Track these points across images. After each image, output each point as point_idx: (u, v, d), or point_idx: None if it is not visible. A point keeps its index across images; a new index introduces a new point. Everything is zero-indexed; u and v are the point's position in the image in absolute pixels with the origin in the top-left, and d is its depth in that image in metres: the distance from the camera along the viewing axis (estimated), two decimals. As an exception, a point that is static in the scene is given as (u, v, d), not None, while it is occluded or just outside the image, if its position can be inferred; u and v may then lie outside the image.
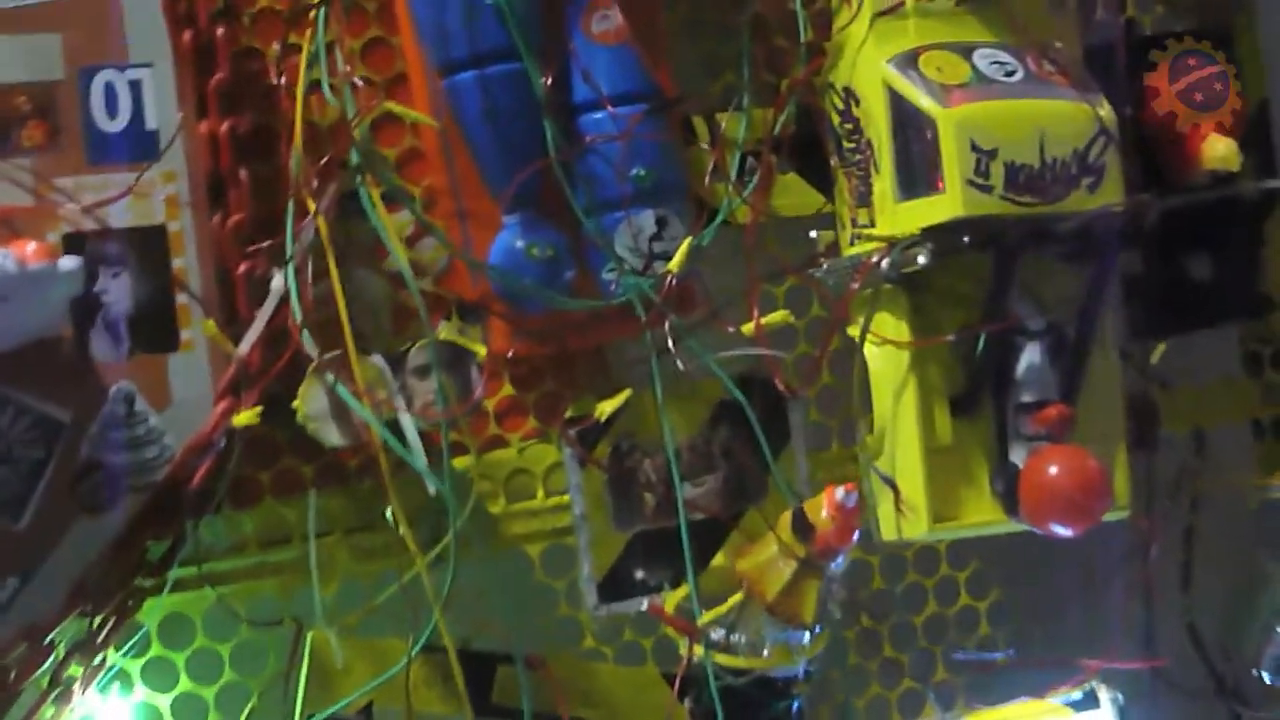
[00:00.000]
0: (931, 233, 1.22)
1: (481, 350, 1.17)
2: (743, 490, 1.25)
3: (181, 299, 1.15)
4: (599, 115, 1.24)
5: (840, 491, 1.16)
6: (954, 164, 1.21)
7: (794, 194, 1.33)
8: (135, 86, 1.13)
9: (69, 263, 1.07)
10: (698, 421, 1.25)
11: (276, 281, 1.12)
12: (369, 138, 1.12)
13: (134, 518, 1.14)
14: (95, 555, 1.14)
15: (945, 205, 1.22)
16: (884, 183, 1.25)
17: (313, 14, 1.12)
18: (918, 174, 1.22)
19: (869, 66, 1.26)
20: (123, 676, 1.19)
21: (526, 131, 1.22)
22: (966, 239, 1.21)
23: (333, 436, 1.13)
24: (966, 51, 1.25)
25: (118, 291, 1.14)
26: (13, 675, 1.11)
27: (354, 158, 1.12)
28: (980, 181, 1.21)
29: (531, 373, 1.26)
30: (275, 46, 1.14)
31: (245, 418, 1.11)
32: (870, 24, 1.26)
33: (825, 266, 1.30)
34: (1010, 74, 1.25)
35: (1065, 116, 1.24)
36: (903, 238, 1.23)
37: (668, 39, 1.28)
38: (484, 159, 1.22)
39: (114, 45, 1.13)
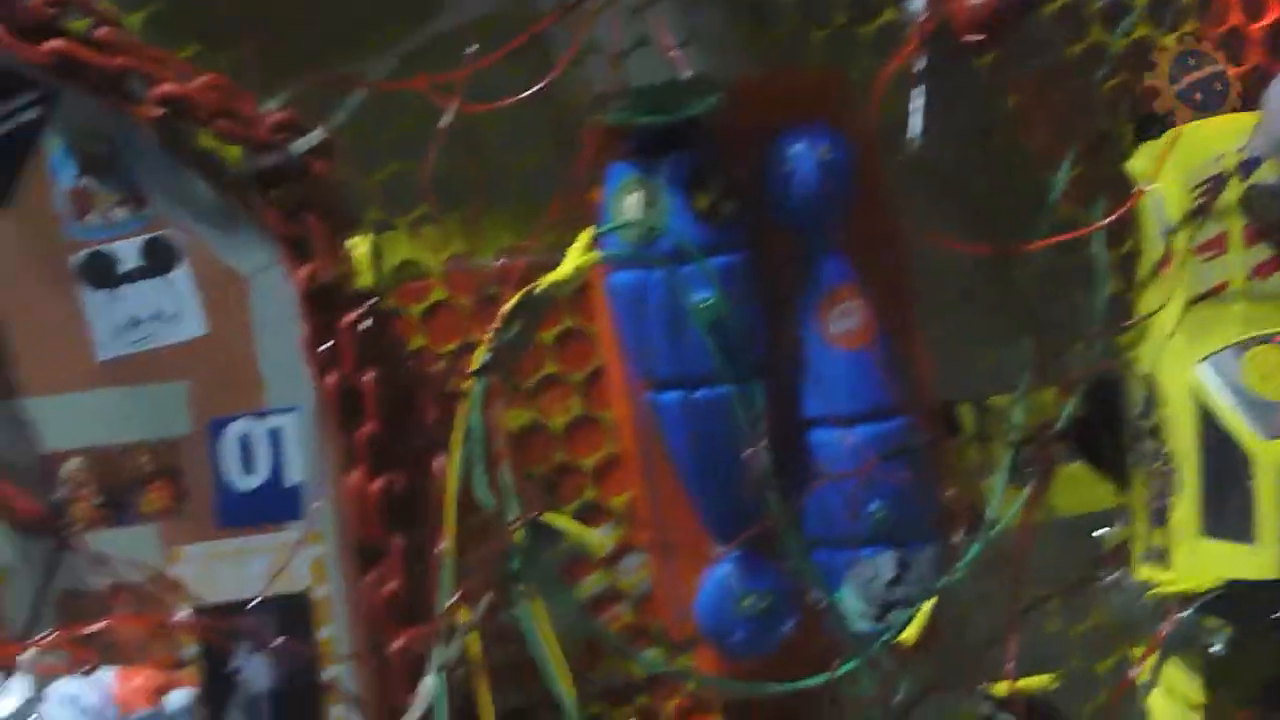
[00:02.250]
0: (1236, 596, 0.93)
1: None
2: None
3: (329, 673, 0.93)
4: (834, 434, 0.97)
5: None
6: (1274, 516, 0.92)
7: (1078, 490, 1.05)
8: (275, 435, 0.91)
9: (179, 699, 0.86)
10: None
11: (426, 685, 0.89)
12: (531, 544, 0.88)
13: None
14: None
15: (1258, 563, 0.93)
16: (1186, 509, 0.96)
17: (468, 386, 0.88)
18: (1229, 513, 0.94)
19: (1177, 363, 0.98)
20: None
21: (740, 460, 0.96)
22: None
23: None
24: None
25: (255, 669, 0.93)
26: None
27: (513, 562, 0.88)
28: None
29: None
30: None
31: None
32: (1183, 310, 0.97)
33: (1111, 580, 1.02)
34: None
35: None
36: (1200, 593, 0.94)
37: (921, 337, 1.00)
38: (692, 484, 0.98)
39: (249, 392, 0.90)
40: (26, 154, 0.89)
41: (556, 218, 0.92)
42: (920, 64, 0.94)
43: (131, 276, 0.91)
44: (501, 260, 0.94)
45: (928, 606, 0.97)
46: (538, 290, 0.90)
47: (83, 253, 0.91)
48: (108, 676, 0.89)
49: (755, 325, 0.98)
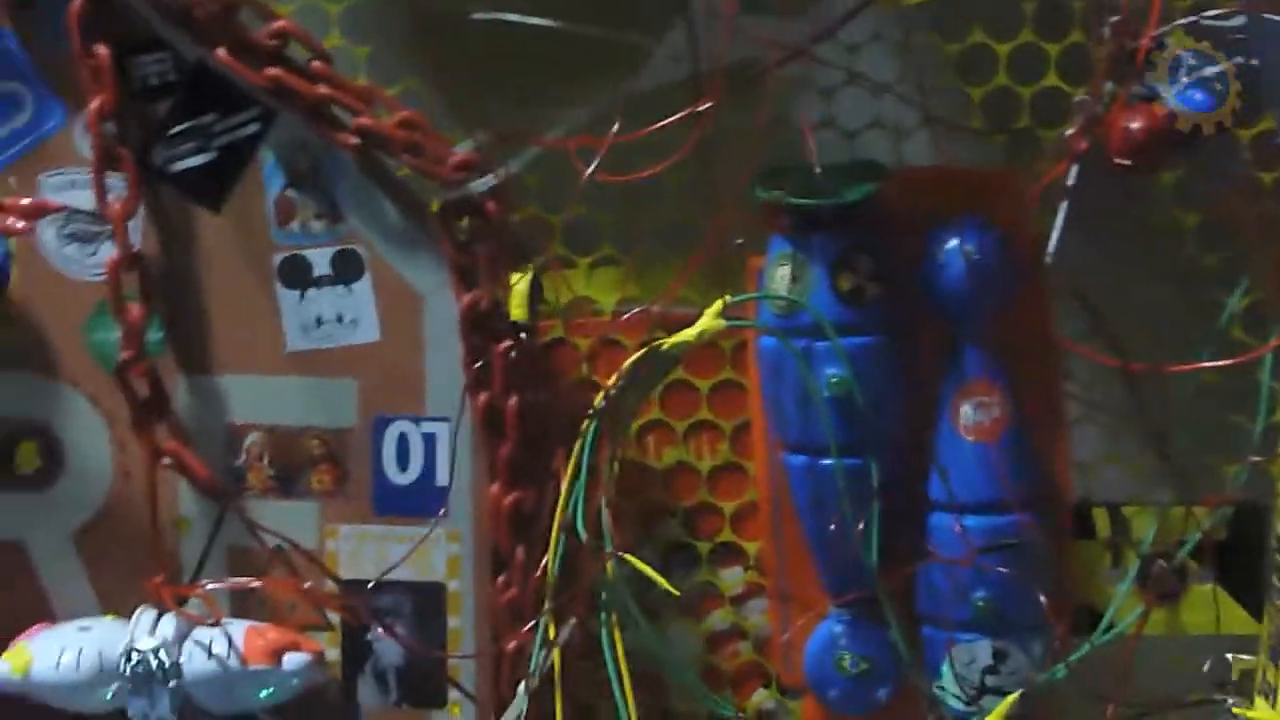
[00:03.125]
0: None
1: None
2: None
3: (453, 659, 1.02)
4: (947, 519, 1.00)
5: None
6: None
7: (1209, 610, 1.04)
8: (429, 440, 1.01)
9: (295, 660, 0.96)
10: None
11: (519, 690, 0.97)
12: (621, 580, 0.95)
13: None
14: None
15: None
16: (1299, 651, 0.95)
17: (585, 427, 0.95)
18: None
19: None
20: None
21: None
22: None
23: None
24: None
25: (388, 645, 1.02)
26: None
27: (602, 597, 0.95)
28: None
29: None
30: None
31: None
32: None
33: (1226, 705, 1.02)
34: None
35: None
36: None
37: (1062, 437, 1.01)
38: (813, 543, 1.02)
39: (412, 397, 1.00)
40: (245, 163, 1.00)
41: (697, 271, 0.96)
42: (1070, 179, 0.94)
43: (321, 282, 1.01)
44: (657, 307, 0.99)
45: (1013, 696, 0.99)
46: (662, 348, 0.96)
47: (282, 255, 1.01)
48: (239, 629, 0.99)
49: (889, 405, 1.01)
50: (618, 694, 0.95)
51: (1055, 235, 0.94)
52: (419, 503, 1.03)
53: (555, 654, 0.96)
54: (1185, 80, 0.95)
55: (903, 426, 1.02)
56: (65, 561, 1.05)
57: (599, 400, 0.96)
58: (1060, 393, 1.03)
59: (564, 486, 0.96)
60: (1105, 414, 1.04)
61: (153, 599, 1.00)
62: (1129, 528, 1.04)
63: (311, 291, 1.01)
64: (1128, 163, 0.93)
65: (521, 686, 0.98)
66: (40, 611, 1.04)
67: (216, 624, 0.98)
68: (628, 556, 0.95)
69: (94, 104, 0.98)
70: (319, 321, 1.02)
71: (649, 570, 0.94)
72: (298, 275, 1.02)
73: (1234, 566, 1.04)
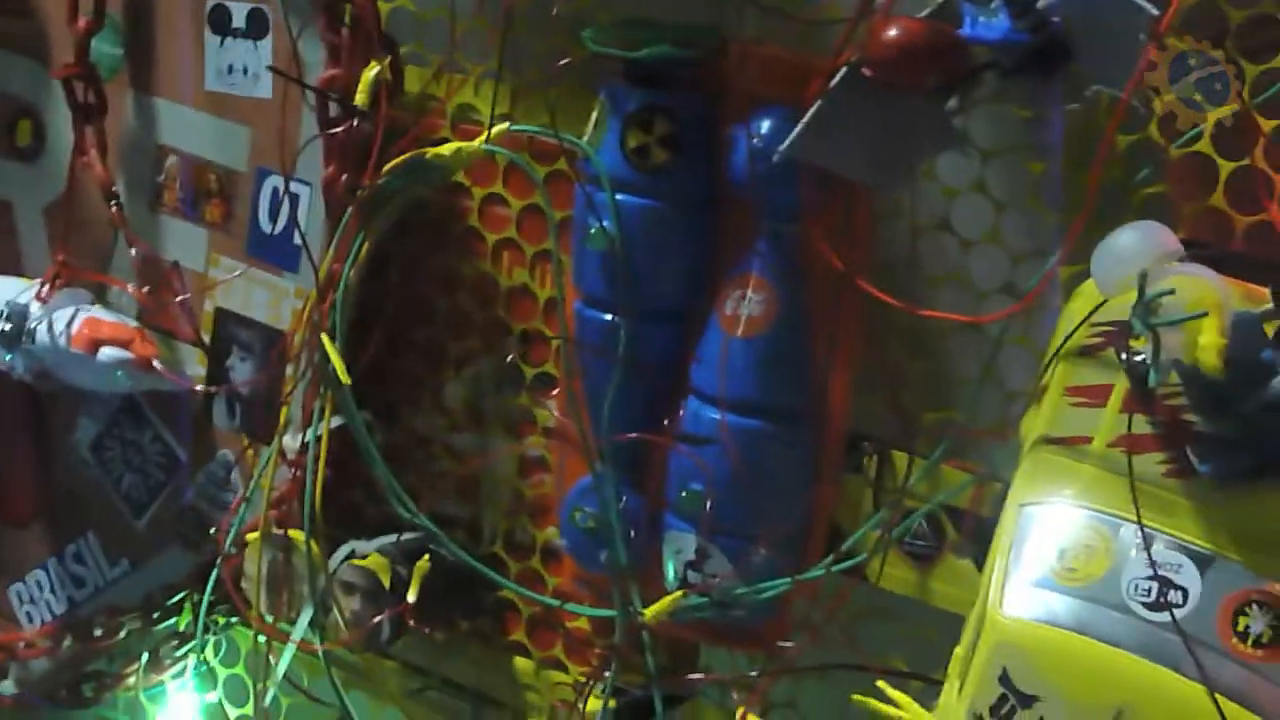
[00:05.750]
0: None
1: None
2: None
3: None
4: (696, 405, 0.95)
5: None
6: (973, 684, 0.80)
7: (960, 586, 0.94)
8: (294, 200, 1.05)
9: (110, 355, 1.04)
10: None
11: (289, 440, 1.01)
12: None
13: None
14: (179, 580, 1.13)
15: None
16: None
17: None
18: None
19: (1015, 489, 0.85)
20: (209, 676, 1.17)
21: (631, 390, 0.97)
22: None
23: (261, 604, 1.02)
24: (1128, 542, 0.80)
25: (242, 373, 1.09)
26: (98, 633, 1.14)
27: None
28: (985, 722, 0.79)
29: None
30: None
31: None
32: (1029, 446, 0.84)
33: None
34: (1159, 606, 0.79)
35: (1178, 710, 0.76)
36: None
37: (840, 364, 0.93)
38: (588, 397, 0.99)
39: (285, 157, 1.05)
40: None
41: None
42: (831, 82, 0.85)
43: (236, 34, 1.06)
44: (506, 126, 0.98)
45: (672, 597, 0.93)
46: (425, 157, 0.95)
47: (213, 2, 1.07)
48: (83, 316, 1.07)
49: (660, 274, 0.95)
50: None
51: (796, 132, 0.85)
52: (281, 255, 1.06)
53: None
54: (989, 7, 0.83)
55: (680, 301, 0.95)
56: (35, 230, 1.16)
57: (364, 191, 0.95)
58: (853, 315, 0.92)
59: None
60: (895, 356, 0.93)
61: (51, 273, 1.09)
62: (897, 474, 0.94)
63: (228, 40, 1.06)
64: (875, 72, 0.83)
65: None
66: (13, 269, 1.16)
67: (78, 307, 1.06)
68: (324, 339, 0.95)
69: None
70: (230, 69, 1.06)
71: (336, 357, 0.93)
72: (221, 23, 1.06)
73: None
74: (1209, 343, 0.74)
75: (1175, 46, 0.83)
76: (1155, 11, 0.77)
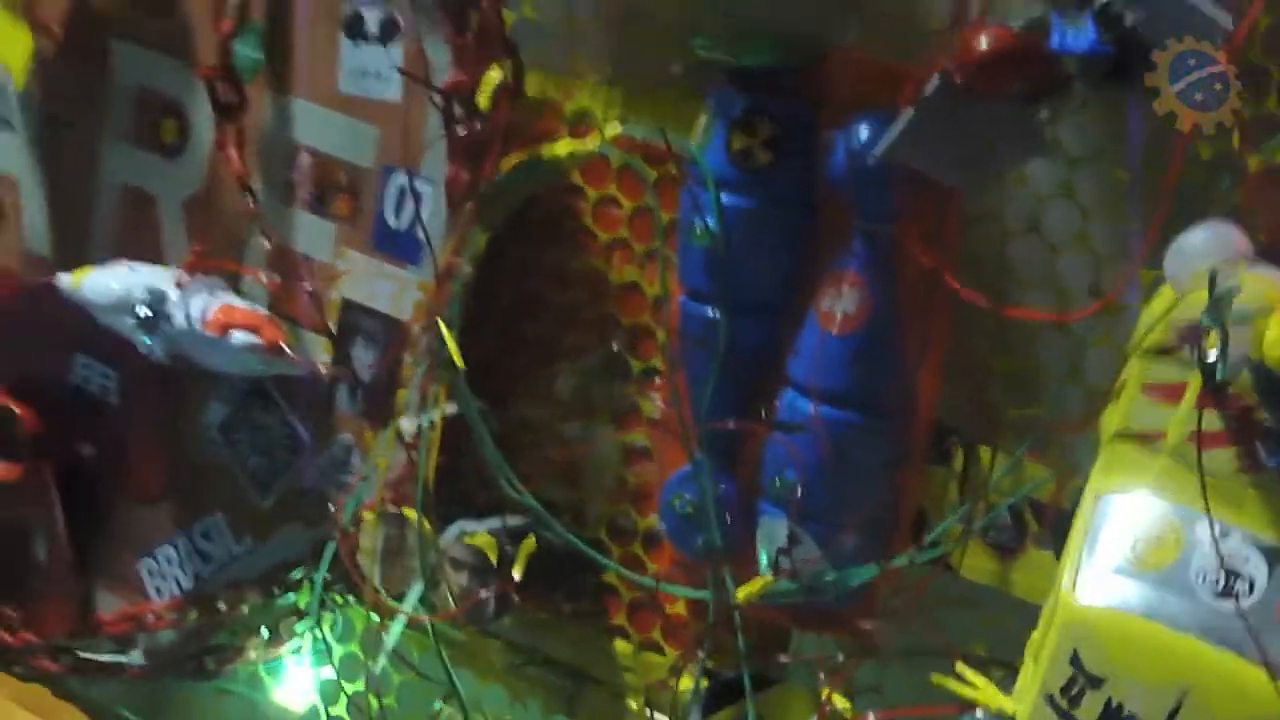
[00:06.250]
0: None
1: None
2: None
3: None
4: (792, 398, 1.00)
5: None
6: (1045, 665, 0.84)
7: (1042, 577, 0.98)
8: (419, 198, 1.12)
9: (241, 338, 1.11)
10: None
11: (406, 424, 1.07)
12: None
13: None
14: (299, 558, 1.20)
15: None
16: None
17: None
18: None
19: (1092, 481, 0.89)
20: (325, 652, 1.23)
21: (730, 382, 1.02)
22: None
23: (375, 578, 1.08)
24: (1199, 533, 0.83)
25: (365, 361, 1.16)
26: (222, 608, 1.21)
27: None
28: (1059, 705, 0.83)
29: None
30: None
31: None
32: (1107, 441, 0.88)
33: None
34: (1225, 594, 0.82)
35: (1240, 692, 0.80)
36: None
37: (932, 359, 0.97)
38: (690, 387, 1.05)
39: (411, 156, 1.11)
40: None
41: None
42: (927, 90, 0.90)
43: (370, 39, 1.13)
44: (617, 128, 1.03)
45: (763, 580, 0.98)
46: (540, 157, 1.01)
47: (348, 8, 1.14)
48: (218, 302, 1.14)
49: (761, 271, 1.00)
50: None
51: (891, 135, 0.90)
52: (405, 249, 1.12)
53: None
54: (1078, 19, 0.88)
55: (779, 297, 1.00)
56: (176, 222, 1.23)
57: (481, 189, 1.01)
58: (943, 313, 0.97)
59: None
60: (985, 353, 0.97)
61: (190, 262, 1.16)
62: (982, 468, 0.98)
63: (361, 44, 1.12)
64: (965, 79, 0.87)
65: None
66: (155, 258, 1.23)
67: (213, 294, 1.13)
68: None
69: None
70: (363, 72, 1.13)
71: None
72: (355, 28, 1.13)
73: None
74: (1275, 338, 0.77)
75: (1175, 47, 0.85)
76: (1230, 25, 0.81)
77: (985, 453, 0.98)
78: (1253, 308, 0.79)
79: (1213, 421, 0.85)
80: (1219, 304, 0.79)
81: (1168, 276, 0.83)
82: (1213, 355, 0.83)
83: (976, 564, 0.99)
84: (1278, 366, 0.78)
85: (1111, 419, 0.88)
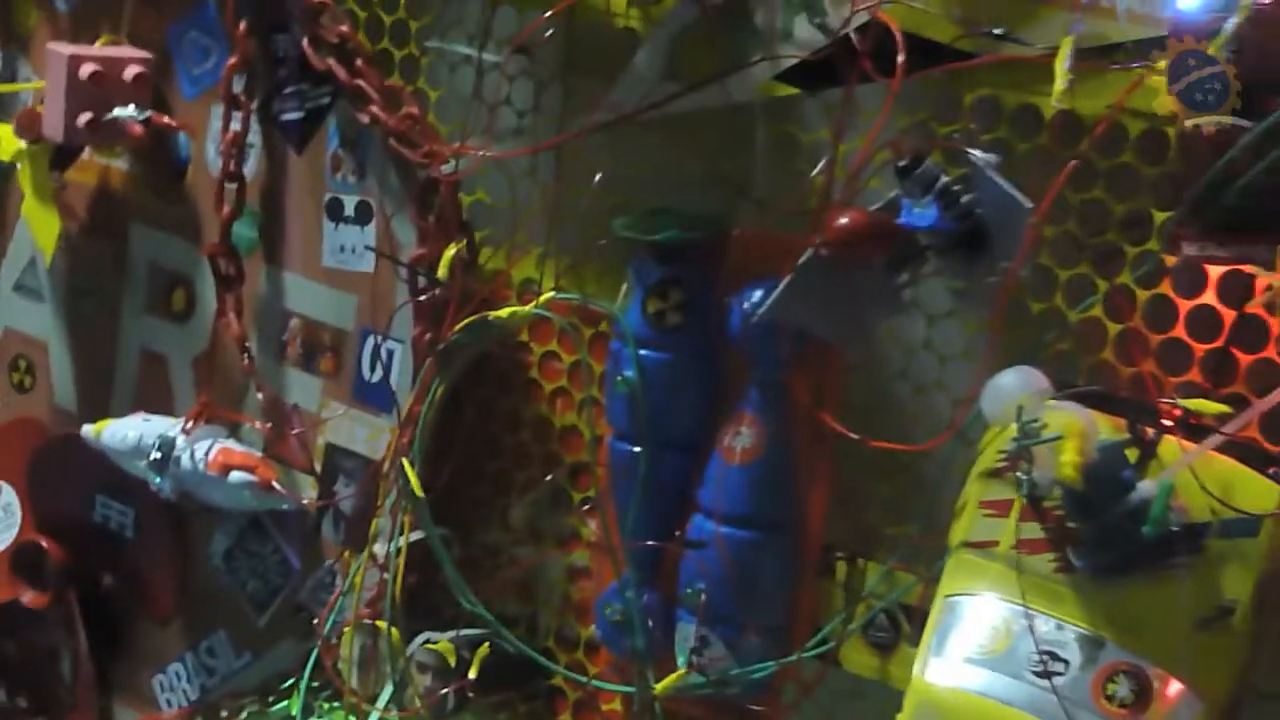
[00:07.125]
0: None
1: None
2: None
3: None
4: (699, 520, 1.19)
5: None
6: None
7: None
8: (390, 354, 1.31)
9: (237, 478, 1.29)
10: None
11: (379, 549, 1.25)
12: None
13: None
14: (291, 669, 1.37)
15: None
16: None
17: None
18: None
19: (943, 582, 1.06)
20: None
21: (650, 508, 1.20)
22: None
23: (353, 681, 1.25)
24: (1022, 624, 1.01)
25: (346, 495, 1.34)
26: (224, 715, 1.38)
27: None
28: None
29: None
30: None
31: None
32: (951, 550, 1.06)
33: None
34: (1045, 675, 0.99)
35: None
36: None
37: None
38: (618, 514, 1.23)
39: (382, 319, 1.31)
40: (319, 124, 1.33)
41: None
42: (801, 259, 1.09)
43: (347, 220, 1.33)
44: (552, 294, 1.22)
45: (677, 674, 1.15)
46: (489, 318, 1.20)
47: (330, 195, 1.34)
48: (219, 445, 1.33)
49: (675, 413, 1.19)
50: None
51: (770, 299, 1.08)
52: (379, 399, 1.31)
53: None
54: (922, 201, 1.07)
55: (691, 435, 1.18)
56: (185, 378, 1.43)
57: (440, 345, 1.21)
58: (828, 447, 1.15)
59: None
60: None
61: (195, 412, 1.36)
62: (863, 579, 1.15)
63: (341, 225, 1.33)
64: (830, 251, 1.06)
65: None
66: (166, 410, 1.43)
67: (215, 440, 1.32)
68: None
69: (229, 61, 1.33)
70: (342, 249, 1.33)
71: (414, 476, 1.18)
72: (335, 212, 1.33)
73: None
74: (1068, 460, 0.95)
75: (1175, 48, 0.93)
76: (1030, 205, 1.00)
77: (864, 564, 1.15)
78: (1054, 435, 0.97)
79: (1034, 530, 1.02)
80: (1026, 432, 0.97)
81: (984, 411, 1.01)
82: (1022, 476, 1.00)
83: (860, 659, 1.17)
84: (1070, 484, 0.96)
85: (956, 532, 1.06)
